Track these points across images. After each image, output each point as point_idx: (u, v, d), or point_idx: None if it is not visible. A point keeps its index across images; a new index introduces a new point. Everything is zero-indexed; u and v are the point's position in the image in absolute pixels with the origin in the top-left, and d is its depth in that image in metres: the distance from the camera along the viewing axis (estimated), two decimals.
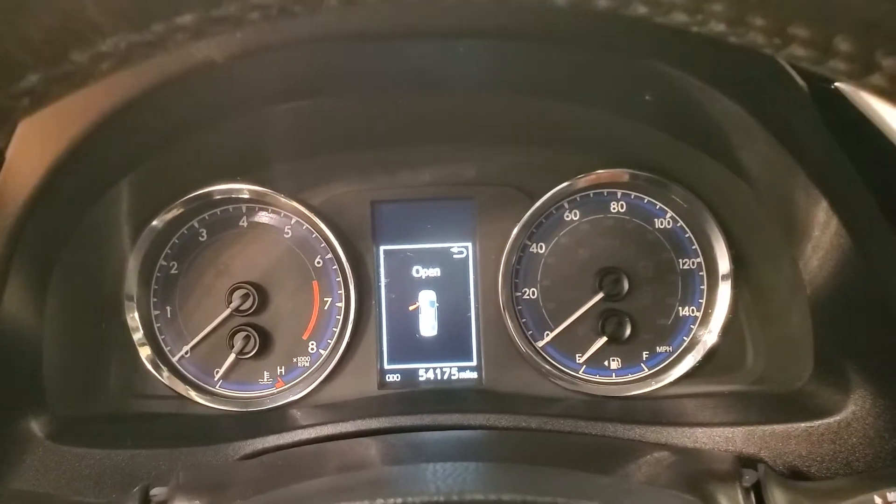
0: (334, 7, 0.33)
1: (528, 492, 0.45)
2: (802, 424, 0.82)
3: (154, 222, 0.99)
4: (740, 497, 0.65)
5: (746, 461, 0.71)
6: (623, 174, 1.02)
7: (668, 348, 1.05)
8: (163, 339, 1.03)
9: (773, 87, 0.72)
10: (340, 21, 0.67)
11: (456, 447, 0.80)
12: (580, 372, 1.05)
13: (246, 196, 1.01)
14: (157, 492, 0.67)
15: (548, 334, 1.05)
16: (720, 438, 0.84)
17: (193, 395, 1.02)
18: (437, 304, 1.07)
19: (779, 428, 0.83)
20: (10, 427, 0.81)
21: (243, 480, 0.70)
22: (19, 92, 0.31)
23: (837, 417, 0.80)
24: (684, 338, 1.04)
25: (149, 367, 1.01)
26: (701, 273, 1.04)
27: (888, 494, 0.61)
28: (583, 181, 1.02)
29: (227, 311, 1.01)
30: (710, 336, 1.02)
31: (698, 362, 1.03)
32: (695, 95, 0.76)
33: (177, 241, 1.03)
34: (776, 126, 0.74)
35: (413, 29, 0.66)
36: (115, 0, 0.29)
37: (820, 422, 0.81)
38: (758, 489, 0.66)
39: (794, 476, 0.79)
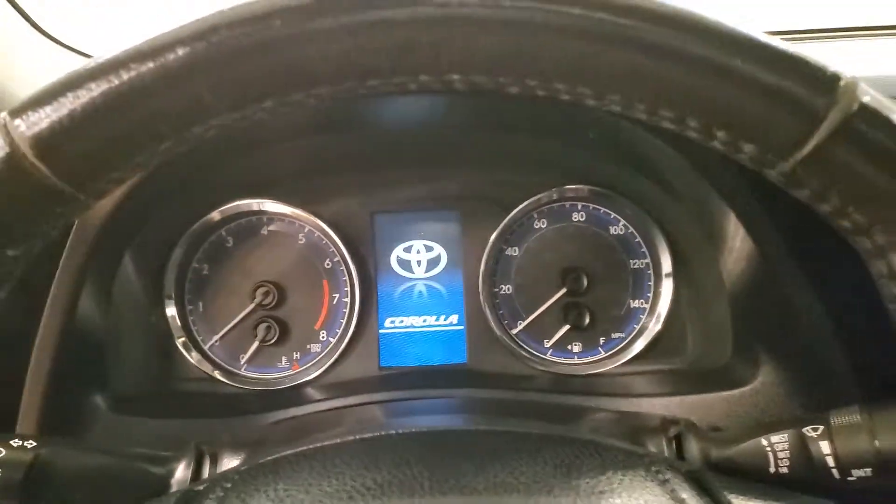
0: (362, 95, 0.48)
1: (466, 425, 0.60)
2: (724, 393, 0.97)
3: (196, 225, 1.11)
4: (664, 444, 0.79)
5: (674, 420, 0.88)
6: (582, 189, 1.15)
7: (621, 335, 1.18)
8: (196, 330, 1.15)
9: None
10: None
11: (440, 407, 0.96)
12: (548, 355, 1.18)
13: (267, 209, 1.14)
14: (206, 447, 0.78)
15: (520, 323, 1.17)
16: (659, 406, 0.98)
17: (222, 377, 1.14)
18: (428, 298, 1.19)
19: (706, 397, 0.97)
20: (82, 401, 0.95)
21: (275, 437, 0.85)
22: (156, 153, 0.42)
23: (750, 387, 0.95)
24: (635, 326, 1.17)
25: (184, 353, 1.13)
26: (649, 272, 1.17)
27: (771, 437, 0.73)
28: (549, 195, 1.15)
29: (252, 306, 1.14)
30: (656, 325, 1.16)
31: (646, 346, 1.15)
32: (627, 135, 0.91)
33: (207, 246, 1.15)
34: (693, 157, 0.90)
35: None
36: (224, 94, 0.40)
37: (737, 391, 0.96)
38: (678, 438, 0.81)
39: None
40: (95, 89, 0.39)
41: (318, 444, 0.57)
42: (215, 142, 0.93)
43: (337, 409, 1.02)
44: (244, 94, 0.40)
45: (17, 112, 0.40)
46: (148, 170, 0.84)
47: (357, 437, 0.59)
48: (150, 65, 0.39)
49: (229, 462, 0.74)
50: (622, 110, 0.43)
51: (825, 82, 0.38)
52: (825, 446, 0.63)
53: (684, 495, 0.50)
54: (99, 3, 1.34)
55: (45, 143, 0.39)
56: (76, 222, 0.89)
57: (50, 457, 0.63)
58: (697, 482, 0.53)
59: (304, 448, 0.57)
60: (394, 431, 0.59)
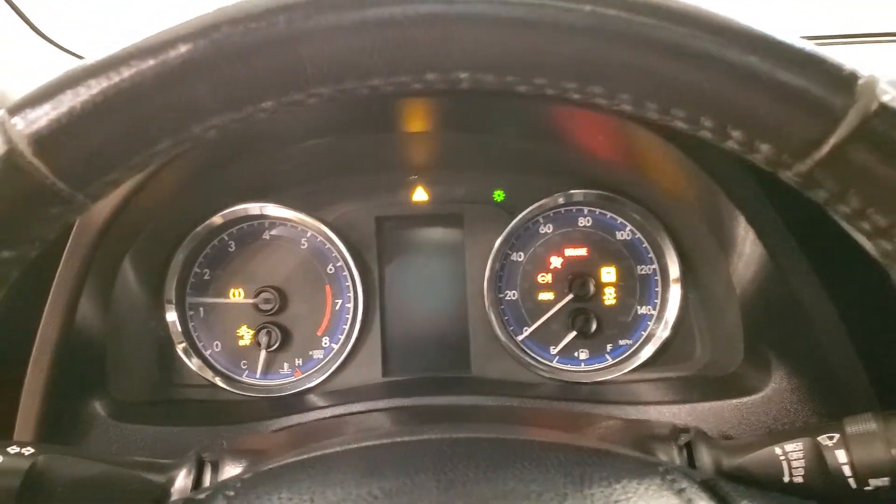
0: (364, 96, 0.47)
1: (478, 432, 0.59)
2: (734, 401, 0.95)
3: (197, 229, 1.11)
4: (675, 453, 0.79)
5: (684, 428, 0.87)
6: (589, 194, 1.14)
7: (628, 341, 1.17)
8: (196, 336, 1.15)
9: None
10: None
11: (445, 415, 0.95)
12: (554, 362, 1.17)
13: (269, 213, 1.13)
14: (207, 455, 0.79)
15: (526, 329, 1.16)
16: (668, 414, 0.97)
17: (224, 384, 1.13)
18: (433, 304, 1.18)
19: (716, 404, 0.96)
20: (80, 407, 0.94)
21: (278, 444, 0.84)
22: (154, 153, 0.41)
23: (761, 394, 0.94)
24: (642, 332, 1.16)
25: (185, 359, 1.12)
26: (656, 277, 1.16)
27: (785, 446, 0.72)
28: (555, 200, 1.14)
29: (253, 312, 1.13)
30: (664, 331, 1.14)
31: (654, 353, 1.14)
32: (638, 137, 0.90)
33: (209, 251, 1.15)
34: (702, 159, 0.88)
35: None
36: (224, 93, 0.39)
37: (748, 398, 0.95)
38: (689, 447, 0.80)
39: None
40: (95, 86, 0.38)
41: (322, 452, 0.56)
42: (217, 146, 0.94)
43: (341, 416, 1.01)
44: (244, 93, 0.40)
45: (15, 109, 0.39)
46: (146, 171, 0.85)
47: (361, 444, 0.57)
48: (151, 62, 0.38)
49: (231, 470, 0.72)
50: (633, 110, 0.42)
51: (843, 81, 0.37)
52: (841, 455, 0.62)
53: None
54: (96, 6, 1.34)
55: (44, 140, 0.39)
56: (75, 225, 0.88)
57: (47, 464, 0.62)
58: (714, 491, 0.52)
59: (308, 455, 0.56)
60: (399, 439, 0.58)
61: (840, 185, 0.40)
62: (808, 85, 0.38)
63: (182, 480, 0.71)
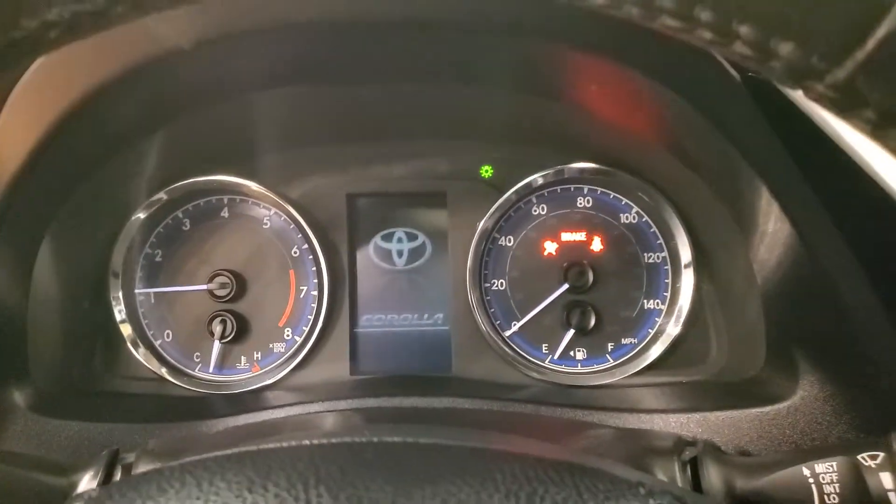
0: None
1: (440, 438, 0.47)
2: (754, 410, 0.85)
3: (139, 213, 1.02)
4: (677, 470, 0.67)
5: (691, 441, 0.74)
6: (588, 168, 1.04)
7: (633, 340, 1.07)
8: (146, 324, 1.06)
9: (712, 81, 0.75)
10: (310, 8, 0.70)
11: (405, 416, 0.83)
12: (546, 361, 1.07)
13: (227, 187, 1.04)
14: (126, 455, 0.70)
15: (515, 324, 1.07)
16: (675, 424, 0.87)
17: (173, 377, 1.04)
18: (409, 293, 1.09)
19: (732, 414, 0.86)
20: None
21: (204, 445, 0.73)
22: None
23: (787, 403, 0.83)
24: (649, 330, 1.06)
25: (130, 348, 1.04)
26: (666, 267, 1.06)
27: (816, 466, 0.63)
28: (549, 175, 1.04)
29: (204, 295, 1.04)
30: (675, 327, 1.04)
31: (663, 353, 1.04)
32: (645, 91, 0.79)
33: (161, 230, 1.06)
34: (716, 117, 0.77)
35: (389, 17, 0.70)
36: None
37: (770, 408, 0.84)
38: (695, 463, 0.68)
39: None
40: None
41: (203, 456, 0.45)
42: (160, 97, 0.83)
43: (299, 416, 0.90)
44: None
45: None
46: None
47: (257, 447, 0.46)
48: None
49: None
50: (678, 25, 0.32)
51: None
52: (887, 479, 0.57)
53: None
54: None
55: None
56: None
57: None
58: None
59: (189, 459, 0.46)
60: (308, 442, 0.47)
61: (894, 94, 0.30)
62: None
63: (87, 483, 0.67)
